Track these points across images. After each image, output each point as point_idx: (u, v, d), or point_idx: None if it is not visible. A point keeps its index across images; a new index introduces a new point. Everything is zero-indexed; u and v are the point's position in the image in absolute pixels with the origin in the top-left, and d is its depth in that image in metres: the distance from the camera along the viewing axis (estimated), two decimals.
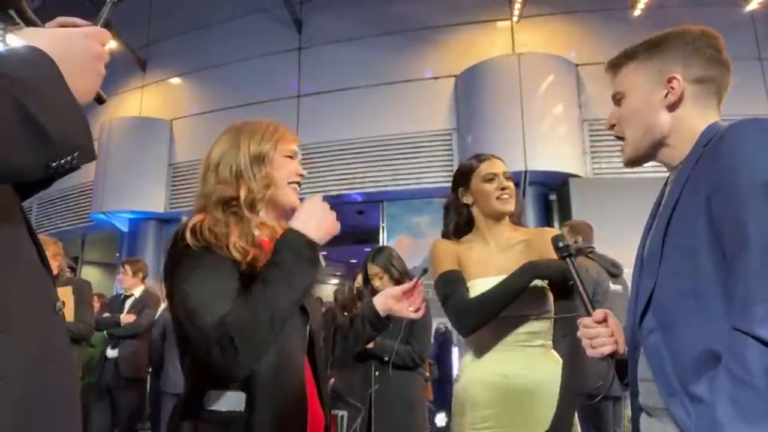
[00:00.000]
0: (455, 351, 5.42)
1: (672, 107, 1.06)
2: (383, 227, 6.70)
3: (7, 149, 0.58)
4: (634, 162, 1.13)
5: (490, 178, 1.79)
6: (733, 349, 0.82)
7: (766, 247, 0.82)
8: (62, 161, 0.63)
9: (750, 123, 0.94)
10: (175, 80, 8.23)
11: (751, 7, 5.95)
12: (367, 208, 7.06)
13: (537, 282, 1.67)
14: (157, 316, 4.39)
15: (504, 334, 1.70)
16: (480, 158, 1.86)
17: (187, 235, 1.11)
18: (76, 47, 0.70)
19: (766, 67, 6.16)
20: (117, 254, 8.24)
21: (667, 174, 1.14)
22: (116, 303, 4.46)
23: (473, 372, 1.74)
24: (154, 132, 7.79)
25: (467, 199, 1.85)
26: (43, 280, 0.74)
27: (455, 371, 5.08)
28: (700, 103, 1.06)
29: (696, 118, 1.05)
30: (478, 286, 1.73)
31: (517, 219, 1.88)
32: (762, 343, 0.78)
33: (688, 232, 0.97)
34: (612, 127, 1.16)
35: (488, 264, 1.76)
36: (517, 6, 6.47)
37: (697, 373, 0.92)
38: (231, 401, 1.09)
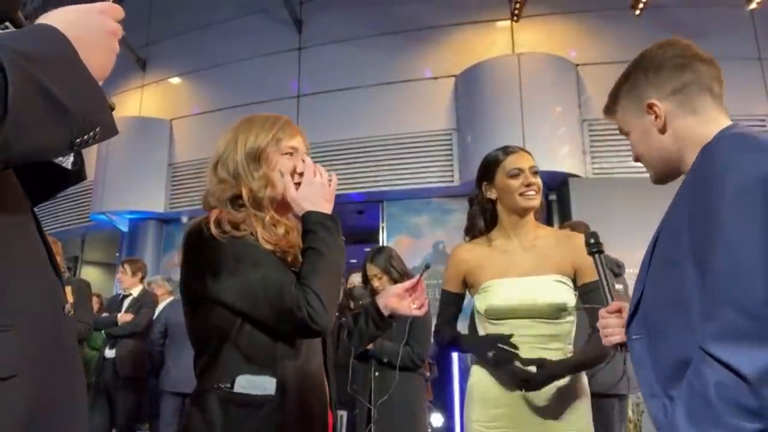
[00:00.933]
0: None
1: (663, 129, 1.09)
2: (383, 227, 6.69)
3: (32, 128, 0.59)
4: (660, 181, 1.18)
5: (515, 174, 1.71)
6: (694, 362, 0.88)
7: (726, 272, 0.86)
8: (86, 137, 0.64)
9: (725, 140, 0.96)
10: (175, 80, 8.22)
11: (751, 7, 5.95)
12: (367, 208, 7.05)
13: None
14: (156, 315, 4.39)
15: (519, 336, 1.67)
16: (507, 151, 1.78)
17: (212, 228, 1.11)
18: (90, 24, 0.70)
19: (766, 67, 6.15)
20: (117, 254, 8.24)
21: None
22: (114, 303, 4.47)
23: (486, 370, 1.72)
24: (153, 132, 7.79)
25: (491, 194, 1.77)
26: (52, 282, 0.74)
27: (455, 371, 5.08)
28: (689, 109, 1.07)
29: (696, 126, 1.06)
30: (498, 288, 1.71)
31: (538, 215, 1.82)
32: (714, 359, 0.83)
33: (672, 243, 1.00)
34: (638, 159, 1.21)
35: (511, 264, 1.73)
36: (517, 6, 6.46)
37: (677, 379, 0.95)
38: (261, 386, 1.12)
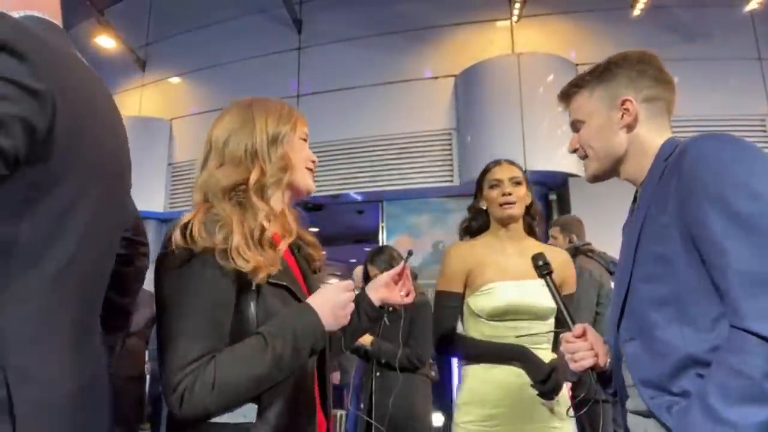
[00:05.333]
0: None
1: (629, 128, 1.15)
2: (383, 227, 6.69)
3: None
4: (597, 178, 1.22)
5: (493, 185, 1.82)
6: (732, 344, 0.87)
7: (743, 255, 0.87)
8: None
9: (710, 138, 1.01)
10: (175, 80, 8.22)
11: (751, 7, 5.94)
12: (367, 208, 7.06)
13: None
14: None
15: (519, 336, 1.73)
16: (494, 162, 1.90)
17: (176, 236, 1.02)
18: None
19: (766, 67, 6.15)
20: None
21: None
22: None
23: (485, 372, 1.75)
24: (153, 132, 7.78)
25: (483, 204, 1.89)
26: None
27: (455, 372, 5.08)
28: (653, 121, 1.15)
29: (651, 135, 1.14)
30: (501, 289, 1.77)
31: (527, 227, 1.89)
32: (758, 337, 0.83)
33: (660, 241, 1.01)
34: (575, 151, 1.25)
35: (507, 268, 1.79)
36: (517, 6, 6.45)
37: (678, 375, 0.95)
38: (241, 412, 1.02)
